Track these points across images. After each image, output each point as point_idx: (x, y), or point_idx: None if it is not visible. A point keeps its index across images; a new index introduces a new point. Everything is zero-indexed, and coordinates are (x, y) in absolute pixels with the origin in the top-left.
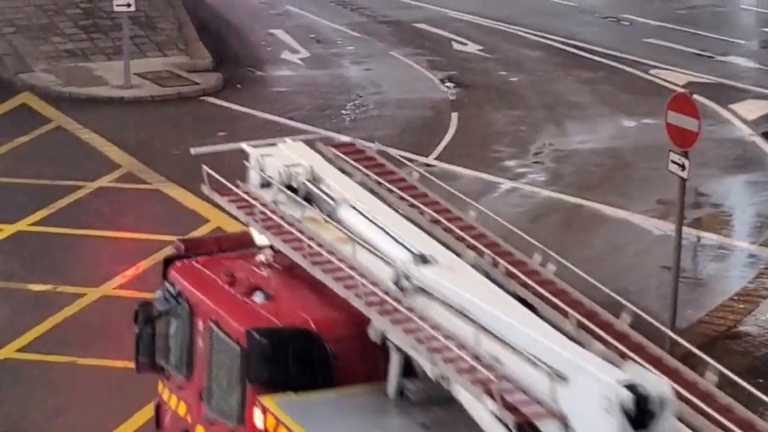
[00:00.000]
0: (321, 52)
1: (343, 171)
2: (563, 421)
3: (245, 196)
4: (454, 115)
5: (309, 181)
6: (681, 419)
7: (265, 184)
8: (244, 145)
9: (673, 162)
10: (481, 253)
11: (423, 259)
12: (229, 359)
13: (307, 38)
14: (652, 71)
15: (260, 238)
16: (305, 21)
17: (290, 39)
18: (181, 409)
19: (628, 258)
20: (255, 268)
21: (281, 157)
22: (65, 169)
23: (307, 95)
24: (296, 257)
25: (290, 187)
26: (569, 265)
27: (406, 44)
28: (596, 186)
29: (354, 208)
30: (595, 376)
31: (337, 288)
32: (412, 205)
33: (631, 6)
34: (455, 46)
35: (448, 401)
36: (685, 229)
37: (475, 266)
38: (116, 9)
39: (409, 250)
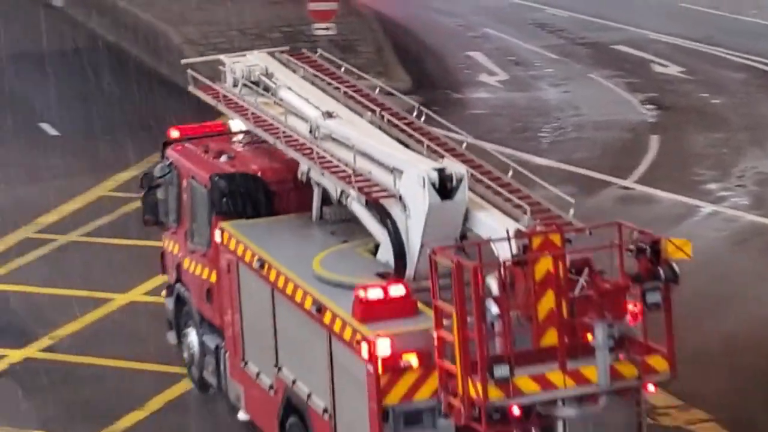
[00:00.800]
0: (519, 74)
1: (292, 69)
2: (400, 199)
3: (218, 89)
4: (654, 138)
5: (263, 75)
6: (474, 191)
7: (236, 84)
8: (222, 57)
9: None
10: (375, 113)
11: (329, 115)
12: (201, 201)
13: (505, 60)
14: None
15: (234, 126)
16: (503, 43)
17: (488, 61)
18: (175, 249)
19: None
20: (225, 143)
21: (246, 62)
22: None
23: (505, 117)
24: (247, 124)
25: (254, 83)
26: None
27: (605, 66)
28: None
29: (289, 89)
30: (416, 167)
31: (270, 139)
32: (336, 87)
33: None
34: (655, 67)
35: (351, 219)
36: None
37: (371, 122)
38: (316, 32)
39: (319, 110)
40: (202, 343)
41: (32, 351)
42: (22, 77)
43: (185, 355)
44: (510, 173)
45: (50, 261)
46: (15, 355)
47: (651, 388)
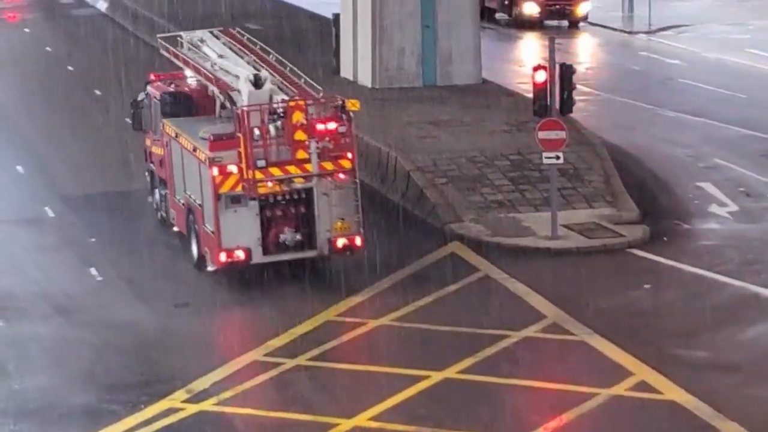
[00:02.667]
0: (750, 206)
1: (216, 38)
2: (239, 92)
3: (174, 51)
4: None
5: (199, 41)
6: (276, 84)
7: (187, 48)
8: (182, 33)
9: None
10: (249, 56)
11: (221, 57)
12: (158, 110)
13: (735, 191)
14: None
15: (189, 74)
16: (734, 174)
17: (718, 192)
18: (149, 143)
19: None
20: (179, 80)
21: (192, 34)
22: (491, 318)
23: (736, 249)
24: (185, 67)
25: (196, 46)
26: None
27: None
28: None
29: (208, 46)
30: (245, 73)
31: (194, 73)
32: (242, 50)
33: None
34: None
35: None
36: None
37: (247, 61)
38: (545, 161)
39: (219, 55)
40: (160, 195)
41: None
42: None
43: (155, 205)
44: (303, 80)
45: (278, 384)
46: None
47: (342, 176)
